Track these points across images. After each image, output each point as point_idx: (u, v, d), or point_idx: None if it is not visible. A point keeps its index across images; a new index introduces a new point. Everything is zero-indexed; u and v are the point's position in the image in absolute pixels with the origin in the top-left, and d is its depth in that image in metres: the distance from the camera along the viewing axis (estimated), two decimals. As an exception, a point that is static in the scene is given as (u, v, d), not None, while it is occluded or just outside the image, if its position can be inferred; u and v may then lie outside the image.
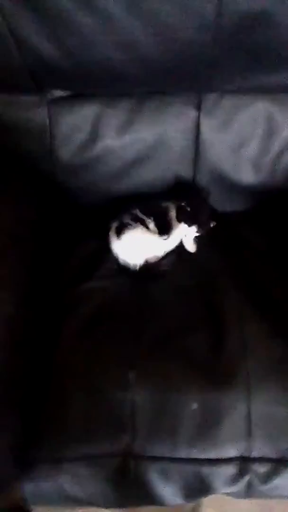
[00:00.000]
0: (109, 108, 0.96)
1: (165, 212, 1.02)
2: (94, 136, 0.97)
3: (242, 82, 0.91)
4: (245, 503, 1.10)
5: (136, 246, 0.99)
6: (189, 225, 1.00)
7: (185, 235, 1.01)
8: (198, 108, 0.96)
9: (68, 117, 0.95)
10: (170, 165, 1.02)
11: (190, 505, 1.13)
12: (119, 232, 0.98)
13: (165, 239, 1.00)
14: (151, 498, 0.80)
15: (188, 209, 1.00)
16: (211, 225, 1.02)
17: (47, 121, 0.95)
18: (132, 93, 0.96)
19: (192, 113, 0.96)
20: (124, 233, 0.98)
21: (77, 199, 1.08)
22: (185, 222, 1.00)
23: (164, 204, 1.03)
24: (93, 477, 0.78)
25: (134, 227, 0.99)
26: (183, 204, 1.01)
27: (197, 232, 1.01)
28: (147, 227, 1.00)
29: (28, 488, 0.79)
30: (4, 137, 0.97)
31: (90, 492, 0.79)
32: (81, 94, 0.95)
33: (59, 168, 1.00)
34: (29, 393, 0.83)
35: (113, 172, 1.02)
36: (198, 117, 0.97)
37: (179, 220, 1.00)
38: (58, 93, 0.93)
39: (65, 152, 0.98)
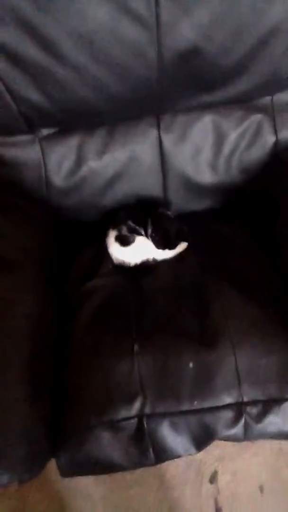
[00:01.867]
0: (88, 137, 1.07)
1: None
2: (79, 161, 1.08)
3: (189, 102, 1.03)
4: (255, 466, 1.24)
5: (140, 250, 1.09)
6: (162, 250, 1.08)
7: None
8: (158, 127, 1.08)
9: (56, 149, 1.07)
10: (143, 176, 1.13)
11: (210, 471, 1.23)
12: (124, 241, 1.08)
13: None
14: (167, 452, 0.88)
15: (155, 235, 1.09)
16: (182, 246, 1.10)
17: (40, 154, 1.06)
18: (105, 123, 1.07)
19: (154, 131, 1.08)
20: (131, 241, 1.08)
21: (71, 216, 1.17)
22: (157, 248, 1.09)
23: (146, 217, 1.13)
24: (115, 440, 0.85)
25: (136, 237, 1.09)
26: (151, 231, 1.09)
27: (169, 252, 1.09)
28: (142, 235, 1.11)
29: (61, 459, 0.86)
30: (4, 172, 1.06)
31: (114, 454, 0.86)
32: (65, 129, 1.06)
33: (53, 192, 1.11)
34: (52, 378, 0.91)
35: (98, 189, 1.13)
36: (159, 134, 1.09)
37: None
38: (47, 130, 1.05)
39: (57, 178, 1.09)
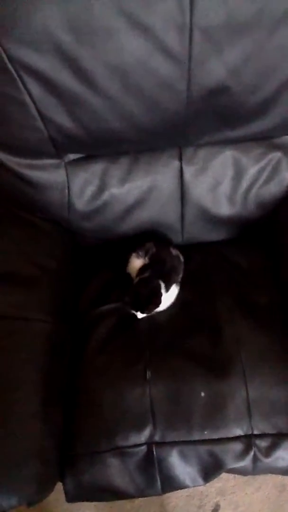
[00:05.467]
0: (112, 164, 1.09)
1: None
2: (102, 187, 1.10)
3: (213, 137, 1.05)
4: (257, 501, 1.22)
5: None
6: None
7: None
8: (180, 159, 1.10)
9: (81, 174, 1.09)
10: (163, 205, 1.15)
11: (211, 504, 1.21)
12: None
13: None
14: (175, 482, 0.88)
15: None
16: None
17: (65, 178, 1.08)
18: (130, 152, 1.09)
19: (176, 163, 1.10)
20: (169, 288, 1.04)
21: (89, 240, 1.19)
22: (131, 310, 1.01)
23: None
24: (124, 466, 0.86)
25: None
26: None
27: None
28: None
29: (69, 483, 0.86)
30: (30, 192, 1.08)
31: (121, 481, 0.86)
32: (91, 155, 1.08)
33: (74, 215, 1.13)
34: (65, 397, 0.91)
35: (118, 214, 1.15)
36: (181, 166, 1.11)
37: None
38: (73, 156, 1.07)
39: (79, 202, 1.11)
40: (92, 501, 1.02)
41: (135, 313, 1.01)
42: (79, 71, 0.87)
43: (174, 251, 1.13)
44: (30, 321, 0.92)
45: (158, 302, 1.01)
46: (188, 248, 1.20)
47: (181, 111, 0.96)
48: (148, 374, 0.91)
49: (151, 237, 1.16)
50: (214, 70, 0.89)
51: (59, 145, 1.01)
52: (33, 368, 0.87)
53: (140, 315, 1.01)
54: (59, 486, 0.86)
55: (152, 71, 0.88)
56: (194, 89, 0.91)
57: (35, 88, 0.89)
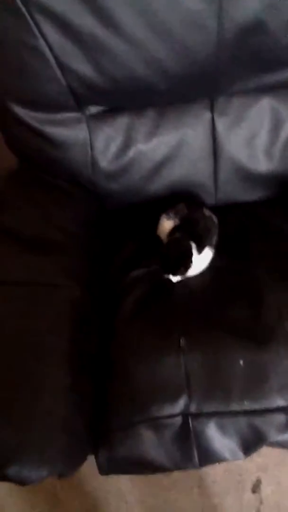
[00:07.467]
0: (138, 118, 1.04)
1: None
2: (127, 143, 1.05)
3: (247, 83, 0.99)
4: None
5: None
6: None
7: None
8: (212, 110, 1.04)
9: (104, 129, 1.04)
10: (194, 161, 1.09)
11: (252, 479, 1.18)
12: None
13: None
14: (212, 455, 0.84)
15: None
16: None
17: (88, 134, 1.03)
18: (156, 104, 1.04)
19: (207, 114, 1.05)
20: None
21: (117, 202, 1.15)
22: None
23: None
24: (158, 438, 0.82)
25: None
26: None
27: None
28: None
29: (101, 456, 0.84)
30: (52, 152, 1.05)
31: (156, 454, 0.83)
32: (114, 109, 1.03)
33: (99, 175, 1.08)
34: (96, 370, 0.89)
35: (146, 173, 1.09)
36: (213, 117, 1.05)
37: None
38: (95, 109, 1.02)
39: (104, 160, 1.06)
40: (125, 473, 1.00)
41: (168, 277, 0.97)
42: (100, 11, 0.81)
43: (207, 212, 1.07)
44: (55, 287, 0.89)
45: (188, 263, 0.96)
46: (223, 210, 1.14)
47: (212, 54, 0.89)
48: (183, 343, 0.87)
49: (182, 199, 1.10)
50: (247, 3, 0.82)
51: (80, 97, 0.97)
52: (59, 337, 0.84)
53: (173, 278, 0.97)
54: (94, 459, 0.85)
55: (180, 8, 0.82)
56: (226, 26, 0.85)
57: (52, 33, 0.85)
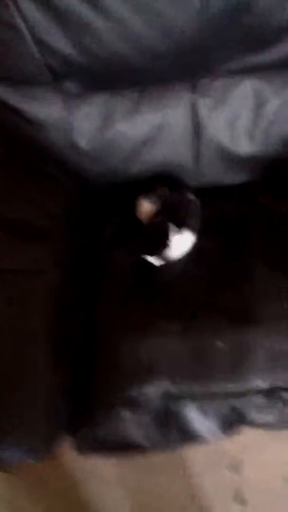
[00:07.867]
0: (118, 97, 1.00)
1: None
2: (106, 122, 1.02)
3: (231, 64, 0.96)
4: (282, 457, 1.19)
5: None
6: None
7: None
8: (194, 90, 1.01)
9: (83, 108, 1.00)
10: (176, 143, 1.07)
11: (234, 460, 1.20)
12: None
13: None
14: (192, 436, 0.87)
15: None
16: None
17: (66, 113, 1.00)
18: (137, 83, 1.00)
19: (190, 95, 1.01)
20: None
21: (99, 183, 1.13)
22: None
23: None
24: (137, 418, 0.85)
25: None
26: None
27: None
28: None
29: (79, 436, 0.86)
30: (30, 130, 1.01)
31: (135, 434, 0.86)
32: (93, 87, 1.00)
33: (80, 156, 1.06)
34: (79, 350, 0.90)
35: (126, 154, 1.07)
36: (195, 98, 1.02)
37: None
38: (74, 87, 0.97)
39: (83, 140, 1.04)
40: (103, 453, 1.00)
41: (148, 258, 0.98)
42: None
43: (191, 196, 1.07)
44: (40, 272, 0.89)
45: (165, 244, 0.97)
46: (207, 193, 1.13)
47: (195, 32, 0.86)
48: (164, 323, 0.89)
49: (166, 181, 1.10)
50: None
51: (58, 74, 0.93)
52: (43, 321, 0.84)
53: (153, 260, 0.97)
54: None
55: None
56: (211, 4, 0.82)
57: (28, 8, 0.81)
